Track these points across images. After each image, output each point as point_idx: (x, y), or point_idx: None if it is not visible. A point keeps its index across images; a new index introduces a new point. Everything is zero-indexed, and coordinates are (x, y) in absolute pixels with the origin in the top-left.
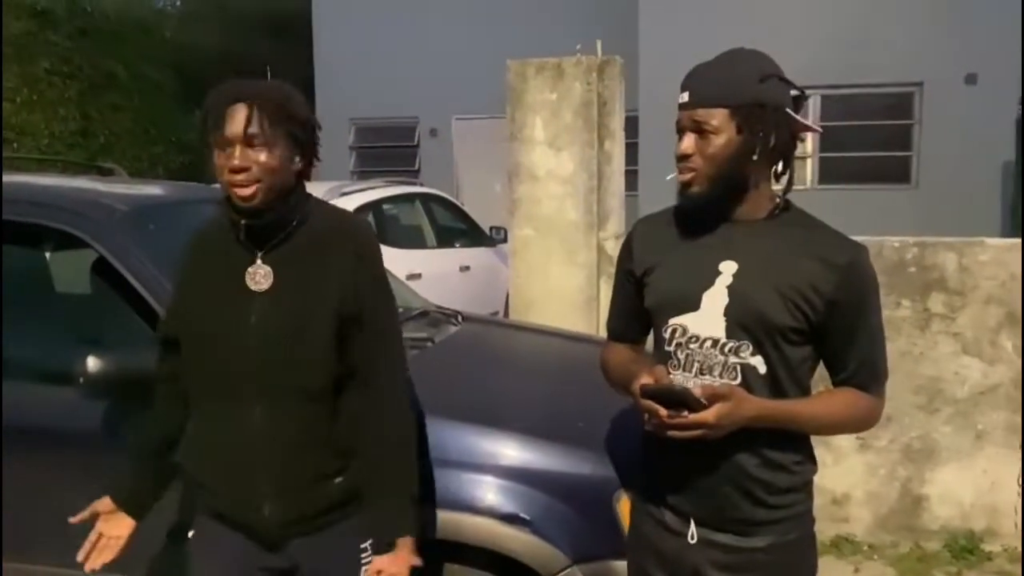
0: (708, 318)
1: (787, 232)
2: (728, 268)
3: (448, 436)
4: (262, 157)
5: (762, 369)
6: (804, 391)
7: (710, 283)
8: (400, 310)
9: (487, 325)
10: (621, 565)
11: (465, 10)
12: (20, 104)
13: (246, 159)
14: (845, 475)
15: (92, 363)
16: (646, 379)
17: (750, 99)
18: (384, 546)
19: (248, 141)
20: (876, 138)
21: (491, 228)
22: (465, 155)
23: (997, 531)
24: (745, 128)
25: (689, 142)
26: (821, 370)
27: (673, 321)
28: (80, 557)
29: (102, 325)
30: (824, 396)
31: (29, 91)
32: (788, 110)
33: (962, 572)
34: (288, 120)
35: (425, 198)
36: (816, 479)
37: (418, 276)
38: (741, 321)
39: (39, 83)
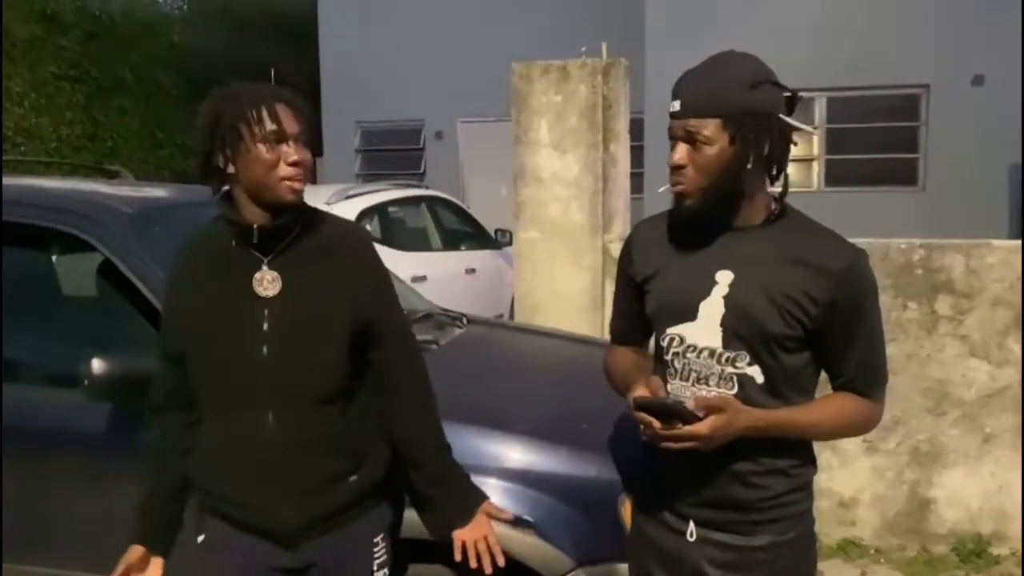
0: (705, 328)
1: (783, 238)
2: (724, 278)
3: (453, 439)
4: (307, 155)
5: (759, 379)
6: (806, 396)
7: (706, 293)
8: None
9: (492, 327)
10: (625, 568)
11: (470, 13)
12: (28, 108)
13: (303, 154)
14: (852, 478)
15: (96, 365)
16: (640, 391)
17: (742, 108)
18: (460, 519)
19: (297, 140)
20: (883, 140)
21: (496, 231)
22: (470, 158)
23: (1005, 534)
24: (738, 138)
25: (681, 153)
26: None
27: (671, 330)
28: None
29: (107, 328)
30: (821, 403)
31: (37, 95)
32: (781, 115)
33: None
34: (313, 129)
35: (430, 201)
36: (823, 482)
37: (423, 279)
38: (737, 331)
39: (47, 87)
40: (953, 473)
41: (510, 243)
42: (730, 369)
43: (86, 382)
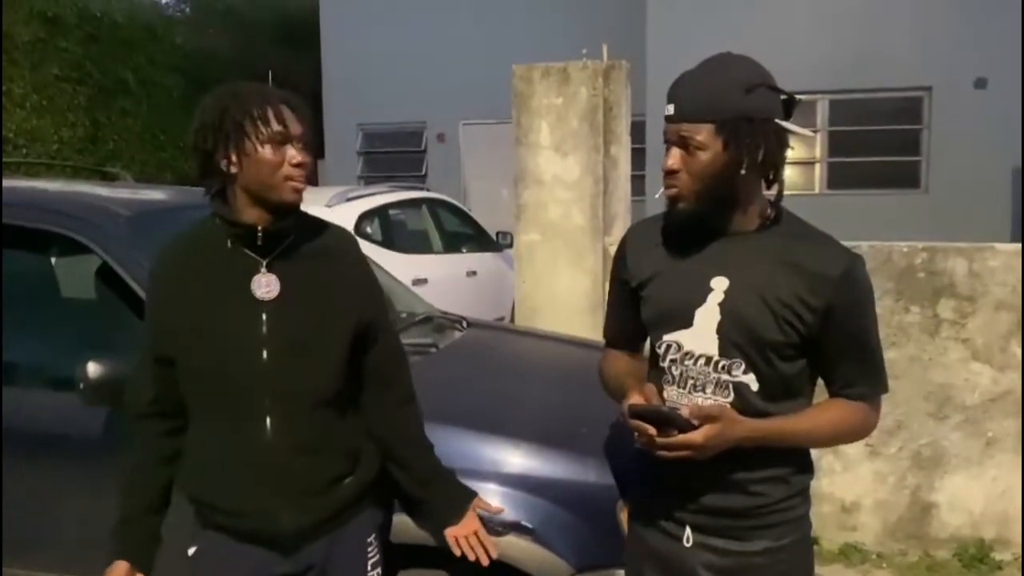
0: (701, 335)
1: (778, 244)
2: (720, 284)
3: (450, 443)
4: (309, 158)
5: (755, 386)
6: (803, 402)
7: (702, 300)
8: (404, 315)
9: (492, 331)
10: (623, 574)
11: (473, 15)
12: (30, 110)
13: (306, 156)
14: (854, 483)
15: (92, 369)
16: (635, 398)
17: (736, 113)
18: (452, 517)
19: (301, 141)
20: (885, 143)
21: (498, 233)
22: (472, 160)
23: (1008, 539)
24: (732, 143)
25: (675, 157)
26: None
27: (667, 337)
28: None
29: (105, 331)
30: (817, 410)
31: (39, 97)
32: (777, 119)
33: None
34: (311, 132)
35: (432, 203)
36: (824, 487)
37: (424, 281)
38: (733, 339)
39: (49, 89)
40: (955, 478)
41: (511, 245)
42: (726, 377)
43: (82, 386)
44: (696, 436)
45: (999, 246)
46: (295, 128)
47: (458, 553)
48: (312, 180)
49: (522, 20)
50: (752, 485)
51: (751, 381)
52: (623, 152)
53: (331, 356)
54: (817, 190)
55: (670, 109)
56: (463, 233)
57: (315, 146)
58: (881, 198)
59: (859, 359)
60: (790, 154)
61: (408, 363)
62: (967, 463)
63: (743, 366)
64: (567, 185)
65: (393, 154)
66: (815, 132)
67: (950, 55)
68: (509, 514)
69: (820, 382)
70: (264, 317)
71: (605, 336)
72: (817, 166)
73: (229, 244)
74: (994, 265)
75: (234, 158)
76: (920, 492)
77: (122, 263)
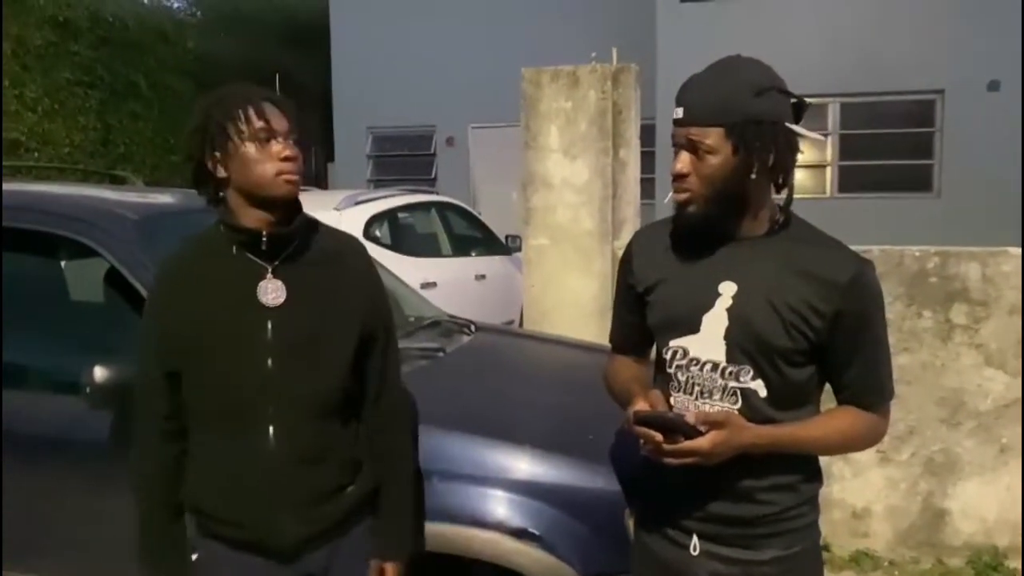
0: (708, 341)
1: (788, 249)
2: (728, 289)
3: (457, 448)
4: (298, 153)
5: (763, 392)
6: (810, 408)
7: (710, 305)
8: (412, 319)
9: (500, 335)
10: None
11: (482, 19)
12: (42, 114)
13: (294, 151)
14: (864, 489)
15: (99, 372)
16: (641, 405)
17: (746, 116)
18: (389, 555)
19: (287, 137)
20: (897, 146)
21: (507, 236)
22: (481, 163)
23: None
24: (741, 147)
25: (684, 161)
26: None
27: (674, 343)
28: None
29: (113, 334)
30: (825, 417)
31: (51, 100)
32: (788, 123)
33: None
34: (302, 129)
35: (441, 206)
36: (835, 493)
37: (433, 285)
38: (741, 345)
39: (60, 93)
40: (968, 484)
41: (520, 249)
42: (733, 383)
43: (88, 389)
44: (702, 442)
45: (1012, 250)
46: (279, 124)
47: None
48: (322, 183)
49: (531, 24)
50: (760, 493)
51: (759, 387)
52: (632, 155)
53: (336, 364)
54: (828, 194)
55: (679, 112)
56: (472, 236)
57: (324, 145)
58: (892, 202)
59: (868, 366)
60: (800, 158)
61: (400, 379)
62: (980, 470)
63: (751, 372)
64: (576, 189)
65: (403, 157)
66: (825, 136)
67: (963, 57)
68: (516, 520)
69: (828, 389)
70: (270, 324)
71: (611, 341)
72: (828, 170)
73: (234, 250)
74: (1007, 270)
75: (222, 161)
76: (933, 499)
77: (129, 267)
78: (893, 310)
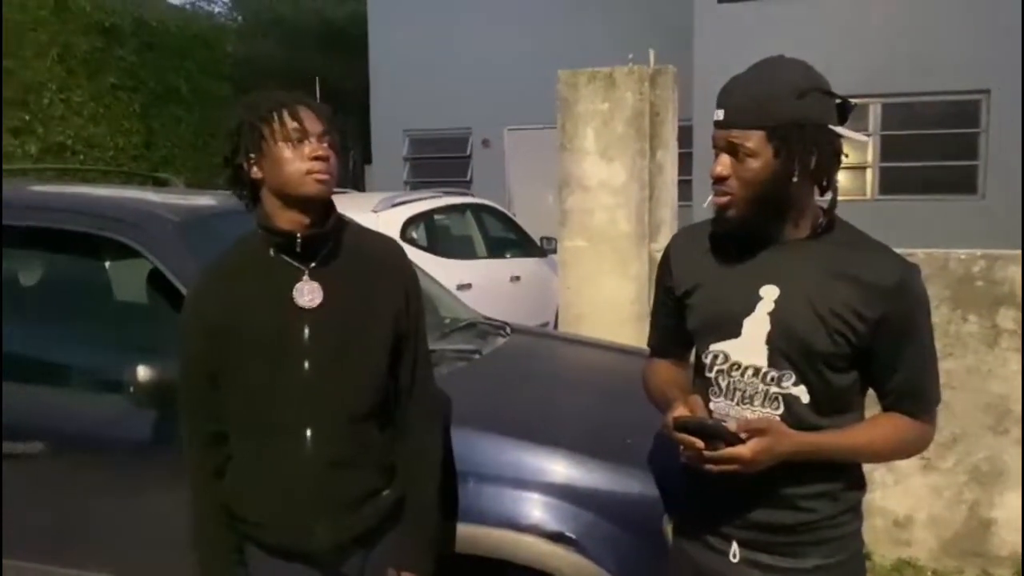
0: (750, 346)
1: (831, 252)
2: (769, 293)
3: (493, 451)
4: (331, 154)
5: (805, 399)
6: (853, 415)
7: (751, 309)
8: (448, 321)
9: (536, 337)
10: None
11: (518, 21)
12: (87, 118)
13: (326, 151)
14: (907, 497)
15: (142, 372)
16: (680, 411)
17: (788, 119)
18: (404, 559)
19: (320, 138)
20: (940, 147)
21: (542, 238)
22: (517, 165)
23: None
24: (783, 150)
25: (724, 164)
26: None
27: (714, 347)
28: None
29: (156, 335)
30: (869, 425)
31: (96, 105)
32: (831, 125)
33: None
34: (337, 132)
35: (476, 208)
36: (877, 500)
37: (468, 286)
38: (783, 350)
39: (105, 97)
40: (1015, 494)
41: (555, 251)
42: (775, 389)
43: (132, 389)
44: (744, 450)
45: None
46: (312, 125)
47: None
48: (359, 186)
49: (567, 26)
50: (802, 500)
51: (801, 393)
52: (669, 157)
53: (372, 366)
54: (869, 195)
55: (719, 114)
56: (507, 238)
57: (360, 148)
58: (936, 204)
59: (914, 371)
60: (841, 159)
61: (434, 383)
62: None
63: (793, 377)
64: (612, 191)
65: (439, 160)
66: (869, 136)
67: (1009, 57)
68: (552, 524)
69: (872, 395)
70: (306, 326)
71: (649, 344)
72: (869, 171)
73: (271, 253)
74: None
75: (256, 162)
76: (978, 508)
77: (171, 267)
78: (938, 314)
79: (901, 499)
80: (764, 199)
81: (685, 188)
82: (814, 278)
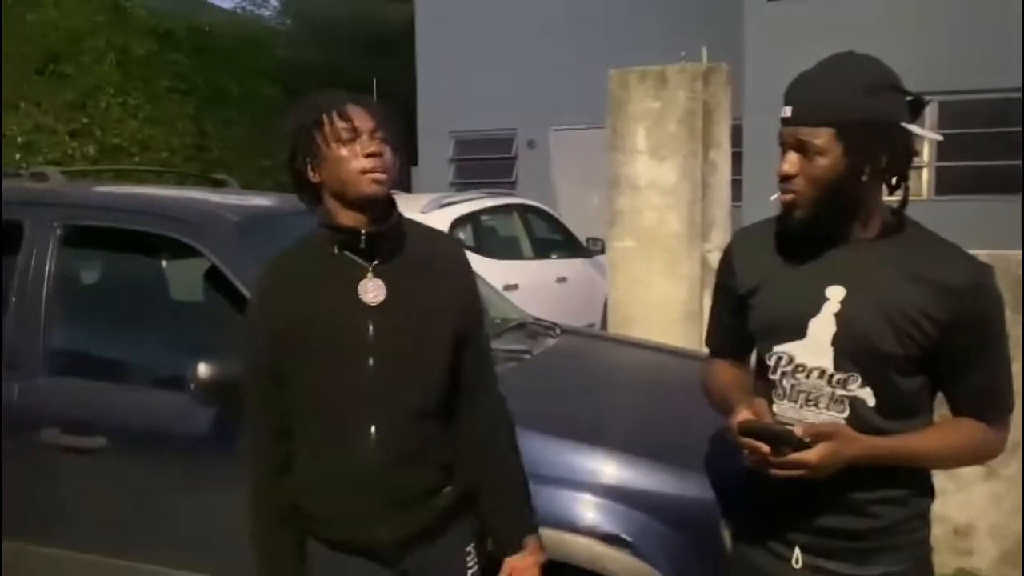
0: (815, 347)
1: (900, 253)
2: (835, 294)
3: (547, 452)
4: (387, 152)
5: (872, 401)
6: (922, 420)
7: (816, 309)
8: (497, 321)
9: (586, 338)
10: None
11: (564, 22)
12: (143, 120)
13: (380, 147)
14: (968, 504)
15: (203, 369)
16: (745, 414)
17: (859, 116)
18: (511, 547)
19: (372, 135)
20: (999, 146)
21: (588, 239)
22: (562, 166)
23: None
24: (853, 149)
25: (792, 162)
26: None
27: (778, 349)
28: None
29: (213, 332)
30: (939, 429)
31: (151, 108)
32: (903, 123)
33: None
34: (391, 128)
35: (522, 209)
36: (937, 507)
37: (515, 287)
38: (849, 351)
39: (160, 100)
40: None
41: (601, 251)
42: (841, 391)
43: (193, 386)
44: (810, 455)
45: None
46: (364, 123)
47: None
48: (405, 187)
49: (613, 26)
50: (868, 505)
51: (868, 396)
52: (723, 156)
53: (435, 363)
54: (925, 196)
55: (787, 111)
56: (553, 239)
57: (407, 150)
58: (994, 204)
59: (986, 375)
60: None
61: (496, 379)
62: None
63: (859, 380)
64: (663, 191)
65: (484, 161)
66: (940, 136)
67: None
68: (607, 526)
69: (941, 399)
70: (371, 323)
71: (708, 345)
72: (925, 171)
73: (335, 251)
74: None
75: (313, 165)
76: None
77: (230, 266)
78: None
79: (962, 507)
80: (832, 198)
81: (735, 188)
82: (883, 279)
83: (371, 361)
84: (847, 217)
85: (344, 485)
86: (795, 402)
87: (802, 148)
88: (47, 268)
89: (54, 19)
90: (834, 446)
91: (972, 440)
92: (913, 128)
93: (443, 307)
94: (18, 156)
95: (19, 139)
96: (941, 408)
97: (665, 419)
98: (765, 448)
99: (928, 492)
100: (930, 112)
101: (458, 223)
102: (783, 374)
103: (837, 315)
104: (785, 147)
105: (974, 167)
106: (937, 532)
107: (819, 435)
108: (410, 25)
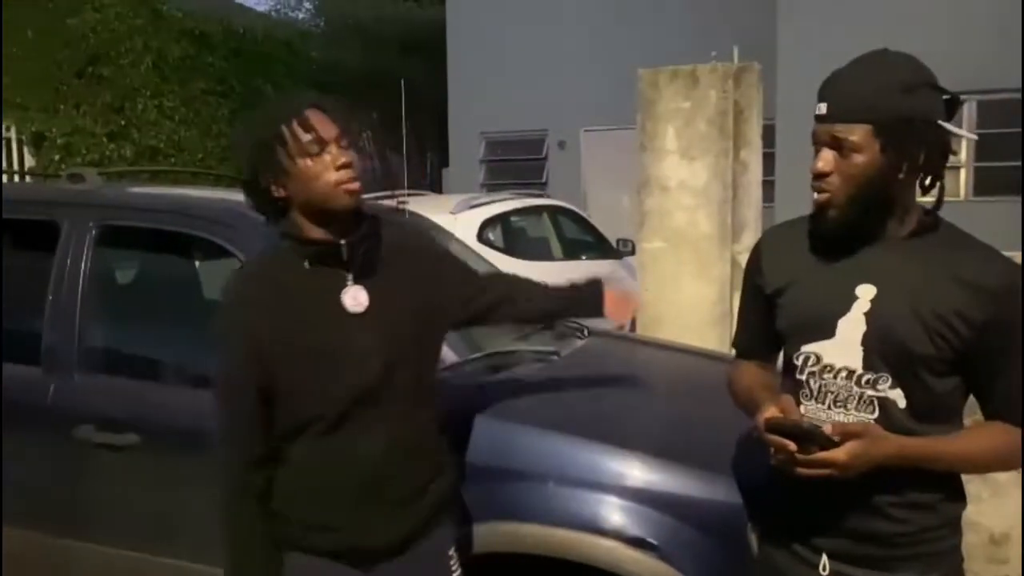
0: (844, 347)
1: (933, 252)
2: (866, 292)
3: (573, 453)
4: (353, 156)
5: (902, 403)
6: (953, 423)
7: (846, 308)
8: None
9: (615, 339)
10: None
11: (594, 22)
12: (178, 122)
13: (349, 156)
14: (1004, 512)
15: None
16: (772, 411)
17: (896, 114)
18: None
19: (339, 143)
20: None
21: (618, 240)
22: (592, 167)
23: None
24: (890, 146)
25: (827, 160)
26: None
27: (806, 348)
28: None
29: None
30: (971, 432)
31: (187, 110)
32: (939, 121)
33: None
34: (353, 127)
35: (552, 210)
36: (972, 515)
37: None
38: (880, 351)
39: (196, 102)
40: None
41: (631, 253)
42: (871, 392)
43: None
44: (839, 454)
45: None
46: (327, 131)
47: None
48: (436, 188)
49: (644, 26)
50: (896, 509)
51: (898, 397)
52: (754, 156)
53: (425, 353)
54: (962, 197)
55: (822, 108)
56: (583, 240)
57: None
58: None
59: (1018, 378)
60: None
61: (479, 276)
62: None
63: (889, 381)
64: (693, 191)
65: (514, 162)
66: (976, 136)
67: None
68: (633, 529)
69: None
70: (361, 330)
71: (735, 346)
72: (962, 171)
73: (307, 265)
74: None
75: (278, 181)
76: None
77: None
78: None
79: (998, 514)
80: (867, 196)
81: (767, 188)
82: (916, 278)
83: (369, 366)
84: (881, 216)
85: (339, 491)
86: (822, 403)
87: (837, 146)
88: (83, 267)
89: (93, 23)
90: (863, 445)
91: (1005, 445)
92: (949, 127)
93: (423, 296)
94: (57, 157)
95: (59, 141)
96: (973, 415)
97: (693, 422)
98: (792, 446)
99: (959, 498)
100: (968, 111)
101: (487, 224)
102: (810, 374)
103: (867, 314)
104: (819, 145)
105: (1014, 167)
106: (972, 540)
107: (848, 433)
108: (442, 27)
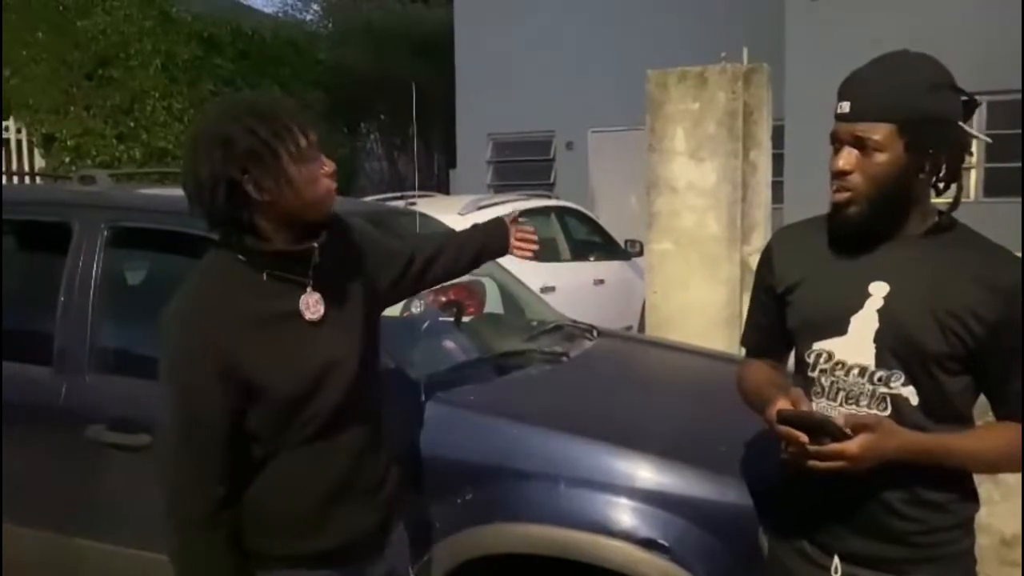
0: (856, 344)
1: (946, 251)
2: (879, 290)
3: (583, 455)
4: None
5: (914, 400)
6: (964, 423)
7: (859, 306)
8: (535, 323)
9: (623, 341)
10: None
11: (602, 23)
12: (187, 123)
13: (332, 164)
14: (1016, 514)
15: None
16: (783, 403)
17: (920, 113)
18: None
19: (319, 146)
20: None
21: (626, 241)
22: (600, 168)
23: None
24: (913, 146)
25: (848, 158)
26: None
27: (818, 345)
28: None
29: None
30: (982, 430)
31: (196, 111)
32: (959, 122)
33: None
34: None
35: (560, 211)
36: (983, 517)
37: (552, 289)
38: (892, 348)
39: (204, 103)
40: None
41: (639, 254)
42: (883, 389)
43: None
44: (850, 446)
45: None
46: (314, 136)
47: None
48: (443, 189)
49: (653, 26)
50: (908, 508)
51: (911, 395)
52: (763, 157)
53: (375, 341)
54: (973, 198)
55: (844, 107)
56: (591, 241)
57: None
58: None
59: None
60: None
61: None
62: None
63: (902, 378)
64: (702, 192)
65: (522, 163)
66: (990, 138)
67: None
68: (644, 530)
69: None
70: (322, 337)
71: (744, 344)
72: (973, 172)
73: (265, 276)
74: None
75: (262, 184)
76: None
77: None
78: None
79: (1009, 517)
80: (888, 195)
81: (776, 190)
82: (930, 276)
83: (339, 372)
84: (900, 215)
85: (333, 497)
86: (834, 400)
87: (860, 144)
88: (94, 268)
89: (103, 25)
90: (875, 438)
91: (1015, 443)
92: (968, 128)
93: (368, 290)
94: (68, 159)
95: (69, 142)
96: (985, 417)
97: (703, 423)
98: (804, 437)
99: (972, 499)
100: (979, 111)
101: None
102: (822, 371)
103: (881, 311)
104: (839, 144)
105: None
106: (983, 542)
107: (860, 425)
108: (449, 28)
